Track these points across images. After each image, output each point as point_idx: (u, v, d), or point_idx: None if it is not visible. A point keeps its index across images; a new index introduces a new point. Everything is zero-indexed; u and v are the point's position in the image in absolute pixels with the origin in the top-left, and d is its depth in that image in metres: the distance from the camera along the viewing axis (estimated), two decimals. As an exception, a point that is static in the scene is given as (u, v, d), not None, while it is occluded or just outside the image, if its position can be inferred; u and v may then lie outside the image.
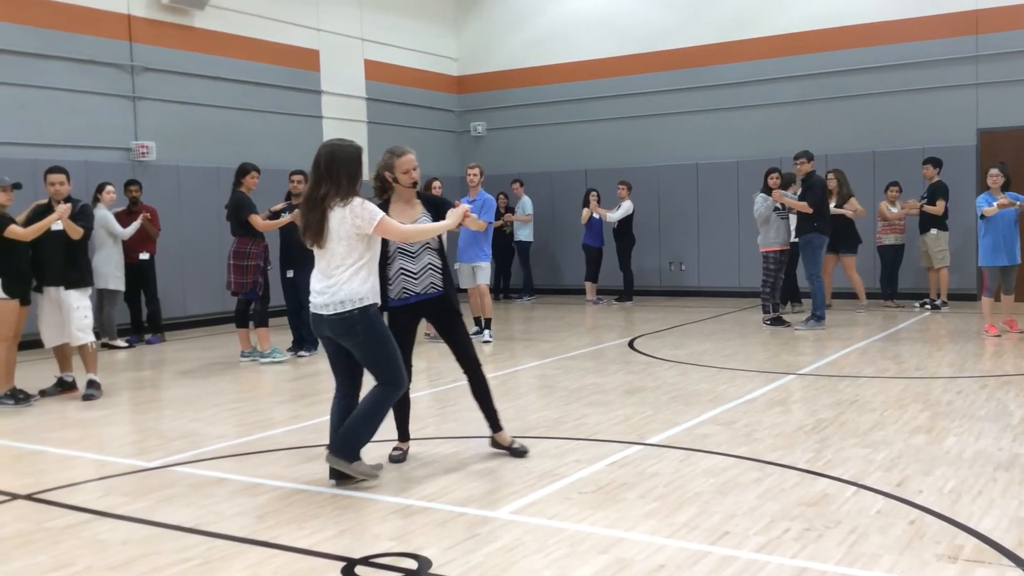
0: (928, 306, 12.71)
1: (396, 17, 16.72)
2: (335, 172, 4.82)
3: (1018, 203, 9.76)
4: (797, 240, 11.30)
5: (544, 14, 17.19)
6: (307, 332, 10.00)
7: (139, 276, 11.44)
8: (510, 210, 15.80)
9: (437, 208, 5.40)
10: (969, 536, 4.02)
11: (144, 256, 11.45)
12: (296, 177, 10.04)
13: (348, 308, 4.79)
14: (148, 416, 7.28)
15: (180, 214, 12.57)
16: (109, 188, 10.96)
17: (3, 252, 7.48)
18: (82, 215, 7.85)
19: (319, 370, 9.23)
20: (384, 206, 5.28)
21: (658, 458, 5.46)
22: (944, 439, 5.74)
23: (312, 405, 7.50)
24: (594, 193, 14.71)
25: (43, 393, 7.87)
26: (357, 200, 4.81)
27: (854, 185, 12.88)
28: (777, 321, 11.37)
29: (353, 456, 4.94)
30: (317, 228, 4.82)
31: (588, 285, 15.05)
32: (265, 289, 9.61)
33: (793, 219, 11.39)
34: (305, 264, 9.93)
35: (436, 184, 11.15)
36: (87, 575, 3.88)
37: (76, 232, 7.71)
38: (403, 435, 5.62)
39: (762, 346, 9.95)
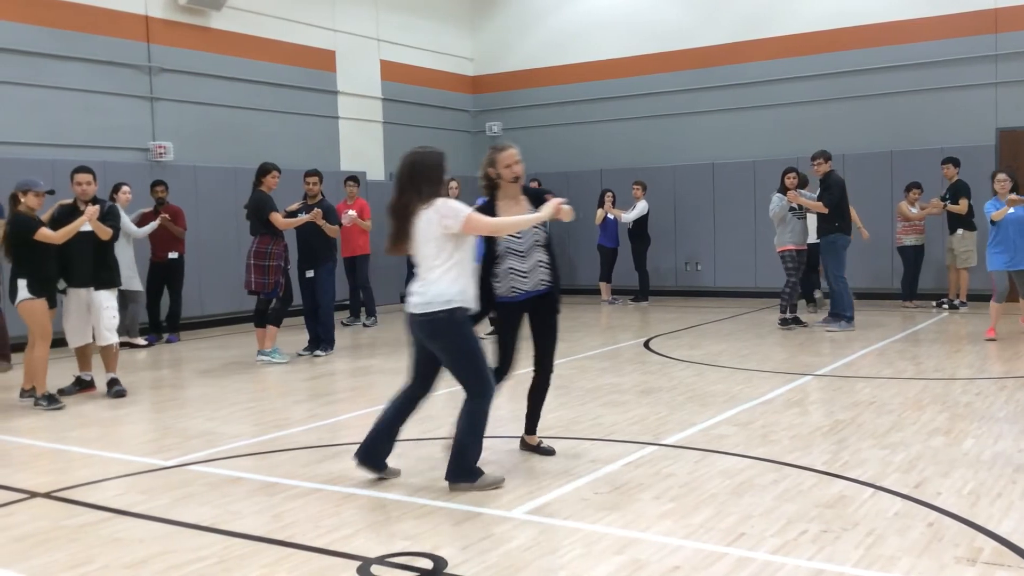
0: (946, 306, 12.62)
1: (412, 17, 16.75)
2: (416, 180, 4.84)
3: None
4: (818, 241, 11.22)
5: (559, 14, 17.18)
6: (324, 332, 10.02)
7: (167, 274, 11.57)
8: None
9: (543, 203, 5.19)
10: (988, 539, 3.98)
11: (173, 255, 11.55)
12: (311, 179, 10.03)
13: (434, 309, 4.77)
14: (166, 415, 7.32)
15: (197, 214, 12.63)
16: (125, 188, 11.02)
17: (30, 254, 7.48)
18: (110, 215, 7.85)
19: (335, 370, 9.25)
20: (492, 204, 5.29)
21: (674, 459, 5.45)
22: (963, 441, 5.70)
23: (328, 405, 7.52)
24: (609, 194, 14.70)
25: (62, 392, 7.91)
26: (440, 200, 4.80)
27: (872, 185, 12.81)
28: (793, 322, 11.28)
29: (474, 476, 4.89)
30: (402, 235, 4.86)
31: (603, 285, 15.04)
32: (286, 289, 9.59)
33: (812, 219, 11.32)
34: (325, 264, 9.95)
35: (453, 184, 11.13)
36: (104, 573, 3.90)
37: (105, 233, 7.72)
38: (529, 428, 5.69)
39: (779, 347, 9.91)
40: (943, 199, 12.45)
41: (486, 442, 6.00)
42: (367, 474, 5.08)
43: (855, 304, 12.17)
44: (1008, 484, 4.77)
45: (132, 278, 10.98)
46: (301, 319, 10.55)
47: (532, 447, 5.65)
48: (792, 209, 11.07)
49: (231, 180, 12.98)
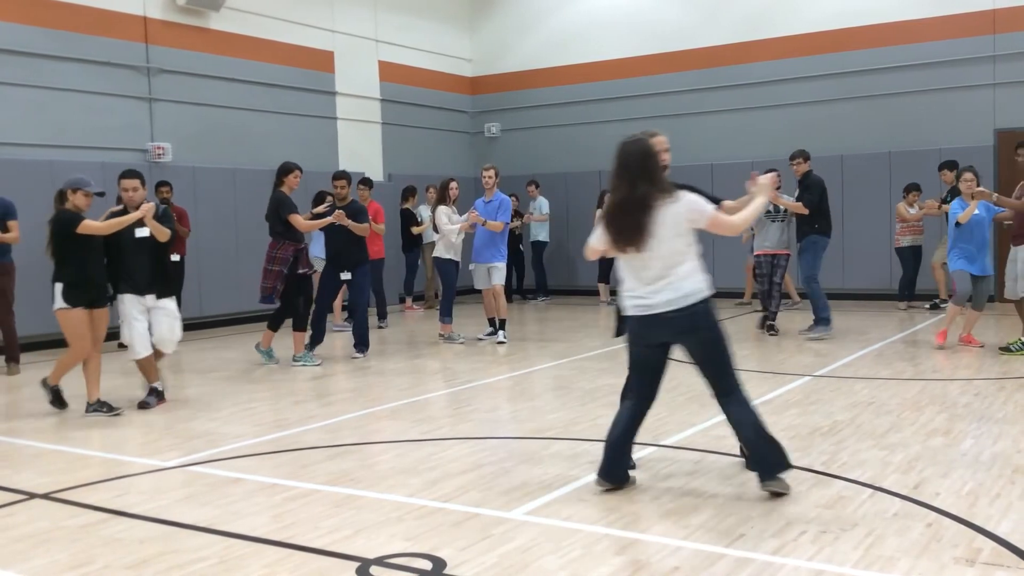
0: (936, 306, 12.62)
1: (410, 18, 16.75)
2: (650, 171, 4.61)
3: (994, 196, 9.28)
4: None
5: (559, 14, 17.19)
6: (360, 333, 9.81)
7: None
8: (520, 214, 15.72)
9: (691, 190, 4.90)
10: (987, 539, 3.99)
11: (175, 257, 11.48)
12: (339, 182, 9.75)
13: (694, 301, 4.59)
14: (166, 416, 7.30)
15: (196, 215, 12.61)
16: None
17: (73, 252, 7.08)
18: (165, 218, 7.50)
19: (335, 371, 9.25)
20: None
21: (673, 460, 5.46)
22: (961, 441, 5.71)
23: (328, 406, 7.52)
24: (608, 195, 14.65)
25: (141, 406, 7.48)
26: (682, 193, 4.61)
27: (871, 185, 12.82)
28: (769, 329, 10.82)
29: (786, 464, 4.69)
30: (640, 230, 4.55)
31: (601, 286, 15.03)
32: (308, 293, 9.41)
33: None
34: (360, 265, 9.69)
35: (453, 184, 11.14)
36: (105, 573, 3.90)
37: (163, 233, 7.36)
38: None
39: (777, 348, 9.91)
40: (944, 201, 12.39)
41: (488, 443, 6.03)
42: (607, 486, 4.85)
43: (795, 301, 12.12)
44: (1007, 485, 4.78)
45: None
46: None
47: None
48: (768, 212, 10.60)
49: (229, 181, 12.98)
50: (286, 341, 9.82)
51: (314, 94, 14.90)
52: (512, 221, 12.02)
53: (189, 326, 12.42)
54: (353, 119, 15.63)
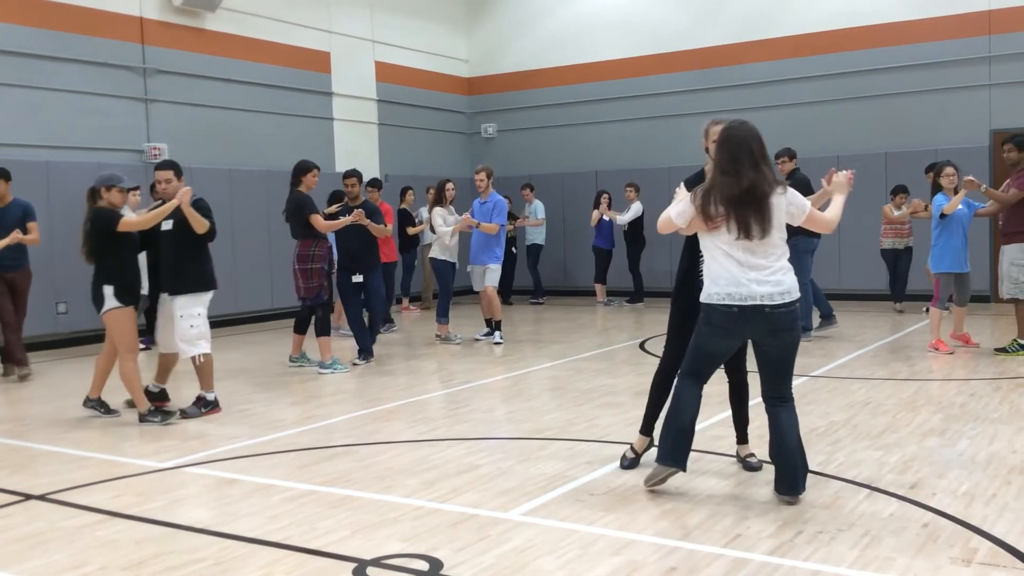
0: (926, 310, 12.33)
1: (407, 19, 16.75)
2: (766, 158, 4.55)
3: (983, 187, 9.14)
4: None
5: (555, 15, 17.19)
6: (367, 339, 9.63)
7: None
8: (514, 216, 15.62)
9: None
10: (983, 539, 4.00)
11: None
12: (349, 180, 9.63)
13: (794, 298, 4.52)
14: (161, 417, 7.29)
15: (192, 216, 12.61)
16: (135, 191, 11.05)
17: (114, 252, 6.88)
18: (202, 210, 7.12)
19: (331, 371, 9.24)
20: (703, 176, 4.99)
21: (670, 460, 5.44)
22: (958, 441, 5.72)
23: (324, 407, 7.52)
24: (605, 195, 14.73)
25: (183, 413, 7.25)
26: (786, 186, 4.57)
27: (867, 186, 12.80)
28: None
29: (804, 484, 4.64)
30: (767, 221, 4.43)
31: (598, 287, 15.07)
32: (330, 294, 9.26)
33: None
34: (374, 268, 9.52)
35: (449, 185, 11.14)
36: (101, 575, 3.90)
37: (201, 224, 6.99)
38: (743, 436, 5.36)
39: (774, 348, 9.90)
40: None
41: (485, 444, 6.03)
42: (666, 473, 4.75)
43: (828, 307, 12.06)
44: (1003, 485, 4.79)
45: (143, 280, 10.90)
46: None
47: (741, 458, 5.35)
48: None
49: (226, 181, 12.97)
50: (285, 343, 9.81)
51: (310, 95, 14.90)
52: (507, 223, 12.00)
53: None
54: (350, 120, 15.63)
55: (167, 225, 7.07)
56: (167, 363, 7.44)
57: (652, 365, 8.92)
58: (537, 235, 15.83)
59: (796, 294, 4.52)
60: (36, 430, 6.85)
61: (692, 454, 5.54)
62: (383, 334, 11.89)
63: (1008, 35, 13.42)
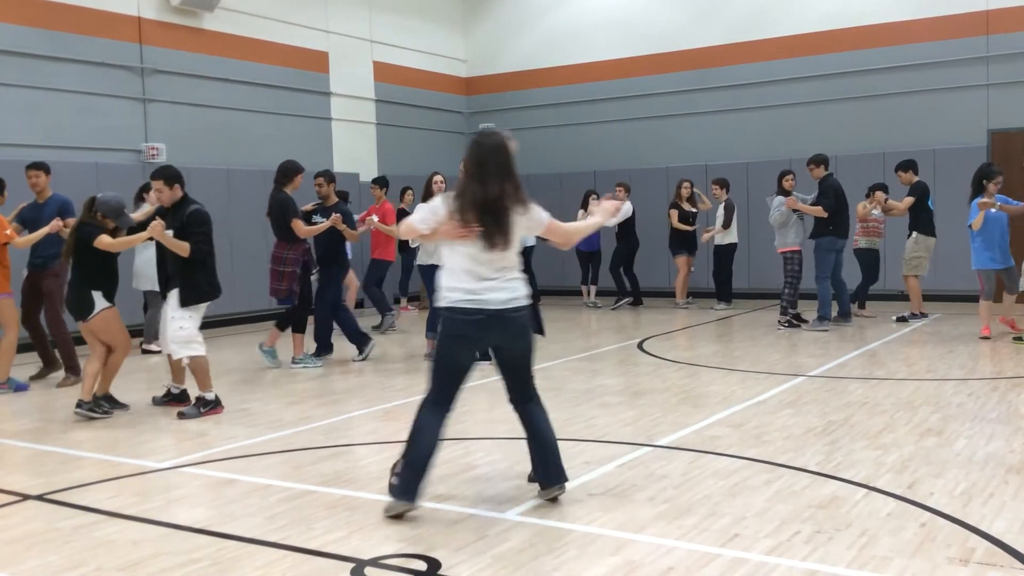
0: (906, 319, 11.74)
1: (405, 19, 16.75)
2: (511, 168, 4.51)
3: (998, 205, 9.53)
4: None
5: (553, 15, 17.20)
6: (320, 336, 9.77)
7: None
8: None
9: None
10: (981, 539, 4.00)
11: None
12: (318, 180, 9.73)
13: (525, 304, 4.58)
14: (159, 417, 7.29)
15: (190, 216, 12.60)
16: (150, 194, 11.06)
17: (98, 262, 7.09)
18: (190, 225, 7.11)
19: (329, 372, 9.24)
20: None
21: (667, 460, 5.46)
22: (955, 441, 5.72)
23: (322, 407, 7.51)
24: (594, 196, 14.40)
25: (154, 401, 7.62)
26: (527, 207, 4.59)
27: (865, 186, 12.81)
28: (794, 318, 11.45)
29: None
30: (503, 234, 4.44)
31: (583, 289, 14.87)
32: (304, 295, 9.32)
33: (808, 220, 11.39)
34: (329, 268, 9.63)
35: (438, 179, 10.60)
36: (98, 575, 3.89)
37: (182, 249, 6.93)
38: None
39: (772, 348, 9.93)
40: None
41: (482, 444, 6.03)
42: (401, 508, 4.48)
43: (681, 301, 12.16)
44: (1000, 484, 4.79)
45: (153, 279, 10.84)
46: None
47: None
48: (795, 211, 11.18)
49: (224, 181, 12.96)
50: (282, 342, 9.80)
51: (309, 95, 14.89)
52: None
53: (183, 327, 12.43)
54: (348, 120, 15.62)
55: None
56: (175, 363, 7.46)
57: (650, 365, 8.98)
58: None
59: (528, 300, 4.59)
60: (33, 430, 6.84)
61: (689, 454, 5.57)
62: (383, 335, 11.92)
63: (1005, 35, 13.43)
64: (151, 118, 12.68)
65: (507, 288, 4.51)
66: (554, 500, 4.66)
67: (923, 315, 11.73)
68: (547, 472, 4.66)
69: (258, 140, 13.83)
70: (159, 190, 7.20)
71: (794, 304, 11.50)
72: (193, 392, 7.43)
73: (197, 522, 4.52)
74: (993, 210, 9.57)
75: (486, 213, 4.40)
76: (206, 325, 12.82)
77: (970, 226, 9.64)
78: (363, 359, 9.65)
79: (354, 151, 15.68)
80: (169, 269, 7.14)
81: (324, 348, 9.85)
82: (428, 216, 4.53)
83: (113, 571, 3.92)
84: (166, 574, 3.86)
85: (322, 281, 9.81)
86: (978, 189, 9.79)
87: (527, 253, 16.82)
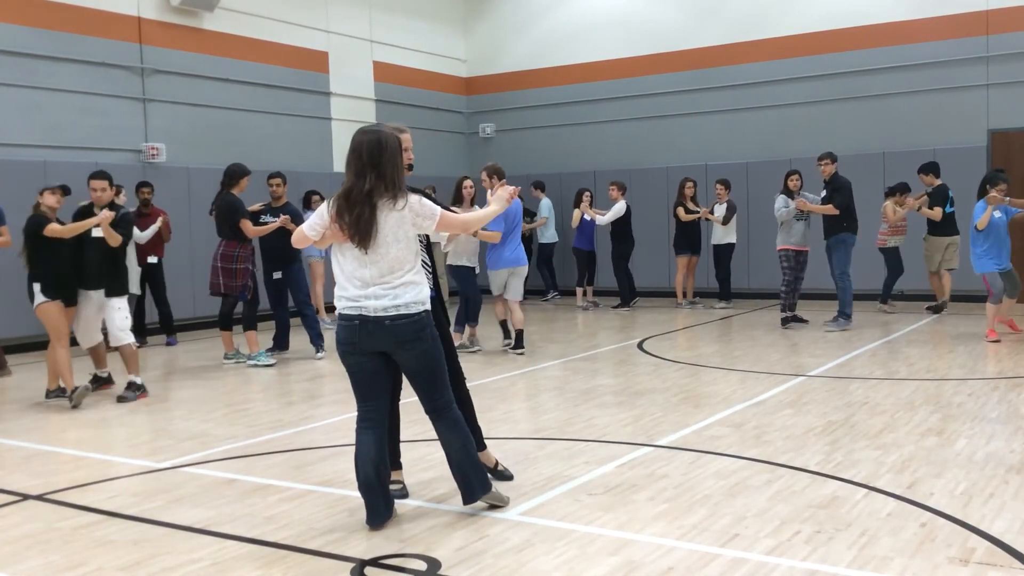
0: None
1: (405, 19, 16.75)
2: (381, 164, 4.27)
3: (1007, 199, 9.66)
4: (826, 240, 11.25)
5: (553, 15, 17.20)
6: (312, 331, 10.08)
7: (148, 279, 11.45)
8: (531, 215, 15.42)
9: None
10: (981, 539, 4.00)
11: (152, 259, 11.43)
12: (274, 180, 10.13)
13: (413, 312, 4.31)
14: (158, 417, 7.30)
15: (190, 216, 12.61)
16: (144, 190, 11.31)
17: (44, 253, 7.62)
18: (123, 223, 7.92)
19: (329, 372, 9.24)
20: None
21: (668, 460, 5.46)
22: (955, 441, 5.72)
23: (322, 407, 7.52)
24: (587, 193, 14.16)
25: (87, 390, 7.86)
26: (411, 195, 4.37)
27: (864, 186, 12.81)
28: (793, 320, 11.50)
29: (487, 484, 4.57)
30: (369, 227, 4.25)
31: (578, 290, 14.49)
32: (254, 292, 9.71)
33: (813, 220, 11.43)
34: (292, 263, 10.01)
35: (467, 183, 10.40)
36: (98, 575, 3.89)
37: (115, 239, 7.74)
38: (396, 463, 4.96)
39: (772, 348, 9.93)
40: (929, 202, 12.23)
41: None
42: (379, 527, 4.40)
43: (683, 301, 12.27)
44: (1000, 484, 4.79)
45: (133, 282, 10.92)
46: (271, 321, 10.62)
47: (489, 468, 5.06)
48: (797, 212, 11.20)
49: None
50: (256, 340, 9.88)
51: (308, 94, 14.89)
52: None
53: (181, 327, 12.44)
54: (348, 119, 15.61)
55: (98, 232, 7.73)
56: (99, 352, 8.24)
57: (650, 365, 8.98)
58: (547, 234, 15.62)
59: (417, 308, 4.32)
60: (32, 430, 6.84)
61: (689, 454, 5.57)
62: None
63: (1005, 35, 13.42)
64: (151, 118, 12.68)
65: (389, 294, 4.28)
66: (494, 508, 4.55)
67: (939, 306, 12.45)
68: (462, 489, 4.51)
69: (258, 140, 13.83)
70: (103, 189, 7.84)
71: (792, 305, 11.53)
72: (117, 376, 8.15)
73: (197, 522, 4.52)
74: (996, 214, 9.58)
75: (352, 209, 4.23)
76: (210, 325, 12.92)
77: (975, 227, 9.67)
78: (321, 356, 9.99)
79: (354, 151, 15.65)
80: (103, 266, 7.80)
81: (282, 345, 10.39)
82: (316, 221, 4.39)
83: (113, 571, 3.92)
84: (166, 574, 3.86)
85: (293, 276, 10.10)
86: (983, 195, 9.84)
87: (547, 251, 16.37)
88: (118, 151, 12.24)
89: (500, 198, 4.69)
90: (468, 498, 4.52)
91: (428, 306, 4.42)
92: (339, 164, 15.16)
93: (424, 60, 17.16)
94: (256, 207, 10.06)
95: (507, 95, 17.72)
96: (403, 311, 4.29)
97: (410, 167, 4.66)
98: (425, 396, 4.49)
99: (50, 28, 11.59)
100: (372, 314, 4.28)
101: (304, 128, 14.76)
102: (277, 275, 10.07)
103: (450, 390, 4.56)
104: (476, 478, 4.52)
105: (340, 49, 15.49)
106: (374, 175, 4.24)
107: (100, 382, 8.27)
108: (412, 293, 4.32)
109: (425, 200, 4.38)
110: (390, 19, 16.43)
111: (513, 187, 4.78)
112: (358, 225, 4.22)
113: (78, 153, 11.67)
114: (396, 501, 4.62)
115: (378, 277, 4.29)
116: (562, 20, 17.08)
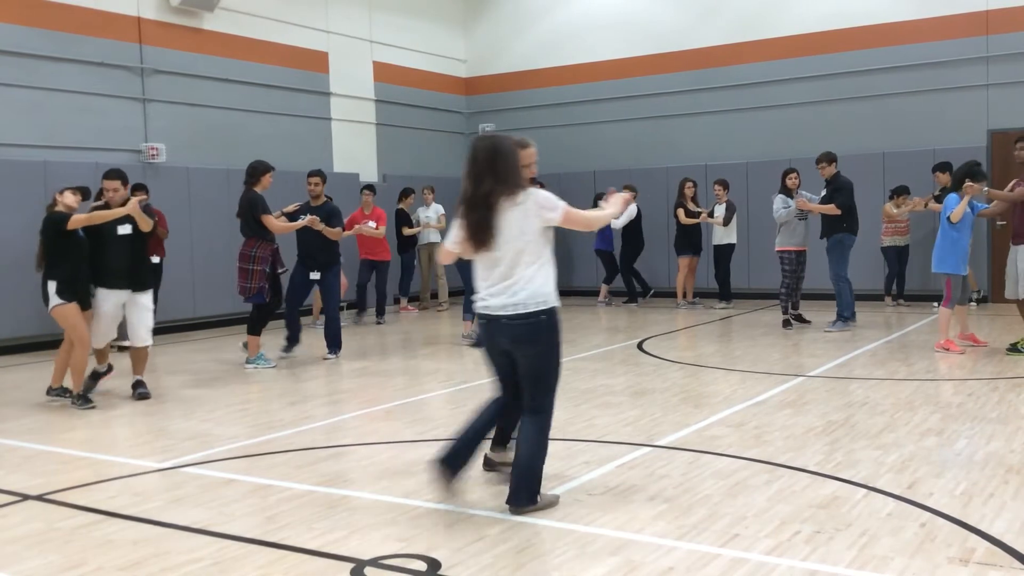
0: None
1: (405, 19, 16.75)
2: (496, 167, 4.45)
3: (985, 189, 8.99)
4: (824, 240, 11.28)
5: (553, 15, 17.20)
6: (332, 335, 9.83)
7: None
8: None
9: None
10: (981, 539, 4.00)
11: (154, 259, 11.39)
12: (312, 179, 9.81)
13: (530, 311, 4.41)
14: (158, 417, 7.29)
15: (190, 216, 12.62)
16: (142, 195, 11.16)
17: (62, 253, 7.42)
18: (146, 213, 7.77)
19: (329, 372, 9.24)
20: None
21: (668, 460, 5.46)
22: (955, 441, 5.72)
23: (322, 407, 7.52)
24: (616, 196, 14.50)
25: (90, 387, 7.82)
26: (533, 189, 4.54)
27: (864, 186, 12.83)
28: (796, 319, 11.52)
29: (535, 498, 4.54)
30: (486, 229, 4.42)
31: (603, 287, 15.09)
32: (273, 296, 9.31)
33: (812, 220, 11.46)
34: (331, 267, 9.71)
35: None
36: (98, 575, 3.89)
37: (147, 223, 7.60)
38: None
39: (772, 348, 9.92)
40: (937, 200, 12.32)
41: (483, 444, 6.01)
42: (442, 478, 4.59)
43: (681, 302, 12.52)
44: (1000, 484, 4.79)
45: None
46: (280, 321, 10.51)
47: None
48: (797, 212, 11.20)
49: (223, 181, 12.95)
50: (274, 341, 9.81)
51: (308, 95, 14.89)
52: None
53: (183, 327, 12.46)
54: (347, 120, 15.62)
55: (124, 230, 7.60)
56: (105, 350, 7.96)
57: (651, 365, 8.98)
58: None
59: (535, 307, 4.41)
60: (32, 430, 6.84)
61: (689, 454, 5.57)
62: (379, 326, 12.05)
63: (1005, 35, 13.43)
64: (151, 118, 12.68)
65: (507, 292, 4.44)
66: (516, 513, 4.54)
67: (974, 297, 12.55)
68: (510, 489, 4.55)
69: (258, 140, 13.82)
70: (115, 189, 7.65)
71: (795, 304, 11.56)
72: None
73: (197, 522, 4.52)
74: (969, 209, 8.92)
75: (471, 213, 4.44)
76: (210, 325, 12.93)
77: (948, 219, 8.93)
78: (331, 359, 9.80)
79: (354, 151, 15.68)
80: (132, 262, 7.65)
81: (337, 346, 9.96)
82: (452, 232, 4.63)
83: (113, 571, 3.92)
84: (166, 574, 3.86)
85: (328, 280, 9.80)
86: (956, 189, 9.05)
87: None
88: (118, 151, 12.23)
89: (616, 202, 4.88)
90: (510, 499, 4.54)
91: (550, 304, 4.49)
92: (339, 164, 15.19)
93: (424, 60, 17.16)
94: (291, 207, 9.80)
95: (507, 95, 17.72)
96: (520, 310, 4.42)
97: (533, 180, 4.80)
98: (527, 392, 4.61)
99: (50, 28, 11.59)
100: (494, 313, 4.47)
101: (304, 128, 14.76)
102: (315, 276, 9.72)
103: (552, 397, 4.65)
104: (525, 489, 4.51)
105: (340, 49, 15.49)
106: (491, 179, 4.41)
107: (98, 376, 8.01)
108: (528, 292, 4.43)
109: (549, 193, 4.54)
110: (390, 19, 16.43)
111: (629, 192, 4.97)
112: (477, 228, 4.41)
113: (78, 153, 11.67)
114: (429, 500, 4.72)
115: (500, 278, 4.46)
116: (562, 20, 17.08)
